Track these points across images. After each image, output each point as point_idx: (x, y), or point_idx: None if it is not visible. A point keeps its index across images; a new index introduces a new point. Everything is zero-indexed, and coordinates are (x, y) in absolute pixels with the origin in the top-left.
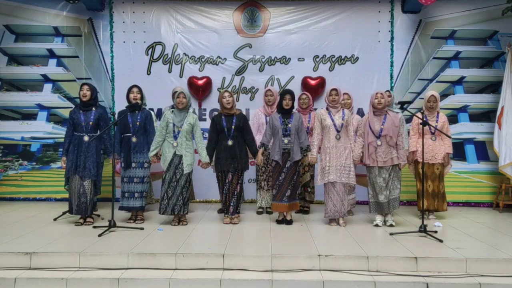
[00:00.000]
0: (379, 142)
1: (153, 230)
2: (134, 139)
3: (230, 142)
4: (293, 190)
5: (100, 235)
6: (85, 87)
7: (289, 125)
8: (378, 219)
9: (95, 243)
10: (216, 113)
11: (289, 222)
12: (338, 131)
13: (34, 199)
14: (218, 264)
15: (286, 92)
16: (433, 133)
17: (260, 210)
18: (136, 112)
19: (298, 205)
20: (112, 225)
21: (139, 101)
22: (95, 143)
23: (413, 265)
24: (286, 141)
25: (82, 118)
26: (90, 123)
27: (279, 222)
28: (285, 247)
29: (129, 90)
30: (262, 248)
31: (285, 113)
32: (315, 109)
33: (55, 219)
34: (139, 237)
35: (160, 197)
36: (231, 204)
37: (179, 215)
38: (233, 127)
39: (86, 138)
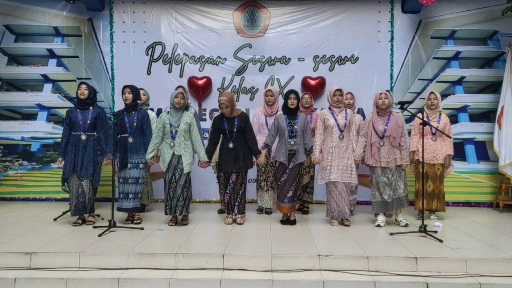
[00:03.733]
0: (382, 143)
1: (153, 230)
2: (130, 140)
3: (231, 145)
4: (295, 191)
5: (100, 235)
6: (83, 86)
7: (295, 126)
8: (380, 219)
9: (95, 243)
10: (216, 113)
11: (293, 223)
12: (341, 131)
13: (34, 199)
14: (218, 264)
15: (291, 92)
16: (434, 134)
17: (259, 210)
18: (133, 112)
19: (296, 206)
20: (112, 225)
21: (139, 101)
22: (92, 142)
23: (413, 265)
24: (292, 142)
25: (79, 117)
26: (88, 122)
27: (283, 222)
28: (285, 247)
29: (122, 91)
30: (262, 248)
31: (291, 113)
32: (315, 109)
33: (55, 219)
34: (139, 237)
35: (165, 198)
36: (236, 204)
37: (177, 215)
38: (235, 129)
39: (83, 137)
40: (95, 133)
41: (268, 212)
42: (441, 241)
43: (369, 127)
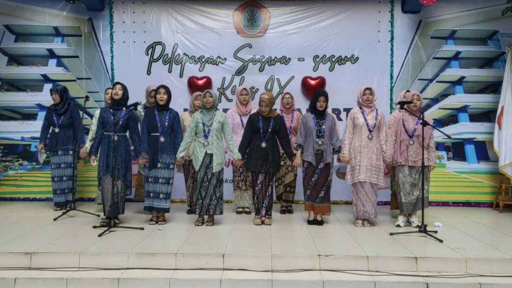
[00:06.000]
0: (411, 142)
1: (153, 230)
2: (162, 139)
3: (263, 144)
4: (327, 191)
5: (100, 235)
6: (118, 86)
7: (323, 126)
8: (401, 219)
9: (95, 243)
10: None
11: (320, 223)
12: (370, 131)
13: (34, 199)
14: (218, 264)
15: (320, 94)
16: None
17: (240, 210)
18: (164, 112)
19: (329, 208)
20: (112, 225)
21: (139, 101)
22: (123, 143)
23: (413, 265)
24: (320, 142)
25: (112, 118)
26: (120, 122)
27: (310, 222)
28: (285, 247)
29: (156, 91)
30: (262, 248)
31: (319, 114)
32: (298, 109)
33: (55, 219)
34: (139, 237)
35: (195, 197)
36: (263, 205)
37: (208, 215)
38: (269, 129)
39: (115, 137)
40: (126, 134)
41: (247, 212)
42: (441, 241)
43: (398, 125)
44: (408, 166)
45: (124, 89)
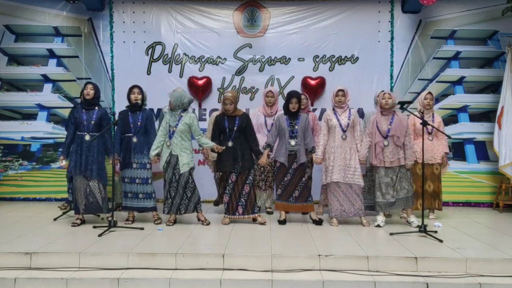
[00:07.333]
0: (386, 142)
1: (153, 230)
2: (135, 139)
3: (230, 144)
4: (302, 191)
5: (100, 235)
6: (89, 86)
7: (296, 127)
8: (380, 219)
9: (95, 243)
10: (215, 112)
11: (320, 223)
12: (344, 131)
13: (34, 199)
14: (218, 264)
15: (292, 96)
16: (430, 133)
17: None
18: (137, 112)
19: (312, 207)
20: (112, 225)
21: (139, 101)
22: (96, 142)
23: (413, 265)
24: (292, 143)
25: (84, 117)
26: (92, 122)
27: (281, 222)
28: (285, 247)
29: (130, 90)
30: (262, 248)
31: (292, 114)
32: (315, 110)
33: (55, 219)
34: (139, 237)
35: (164, 197)
36: (240, 204)
37: (178, 215)
38: (235, 128)
39: (87, 137)
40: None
41: (269, 212)
42: (441, 241)
43: (373, 127)
44: (384, 167)
45: (96, 88)
